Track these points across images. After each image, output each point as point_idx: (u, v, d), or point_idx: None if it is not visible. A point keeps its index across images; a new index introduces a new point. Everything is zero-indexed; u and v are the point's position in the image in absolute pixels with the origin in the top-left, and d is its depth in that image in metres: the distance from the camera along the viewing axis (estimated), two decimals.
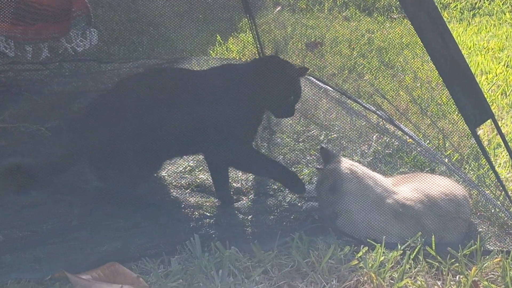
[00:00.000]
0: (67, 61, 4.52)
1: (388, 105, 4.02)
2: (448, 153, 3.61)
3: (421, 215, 2.94)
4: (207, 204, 3.21)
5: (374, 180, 3.07)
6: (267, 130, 3.97)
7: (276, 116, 3.43)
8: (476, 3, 7.14)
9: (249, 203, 3.25)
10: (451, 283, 2.69)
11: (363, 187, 3.03)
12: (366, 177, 3.07)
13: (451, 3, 7.10)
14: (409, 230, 2.91)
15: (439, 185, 3.05)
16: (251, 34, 4.85)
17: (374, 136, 3.82)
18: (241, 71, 3.32)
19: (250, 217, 3.12)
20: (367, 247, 2.84)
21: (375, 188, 3.03)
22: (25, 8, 2.86)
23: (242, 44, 5.21)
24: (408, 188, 3.03)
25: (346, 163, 3.11)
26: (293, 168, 3.55)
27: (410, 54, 3.78)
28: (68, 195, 3.14)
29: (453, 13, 6.96)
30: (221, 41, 5.29)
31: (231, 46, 5.24)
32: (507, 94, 4.73)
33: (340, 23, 5.73)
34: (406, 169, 3.48)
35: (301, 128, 3.99)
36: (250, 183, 3.42)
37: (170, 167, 3.51)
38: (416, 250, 2.82)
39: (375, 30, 5.30)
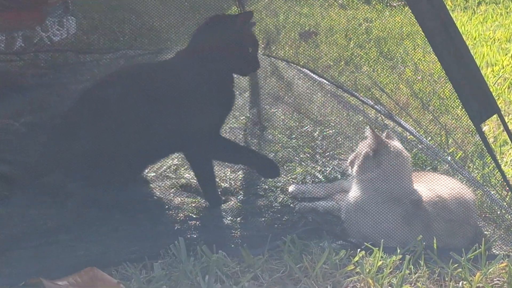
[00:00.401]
0: (43, 52, 4.51)
1: (387, 99, 4.03)
2: (451, 150, 3.61)
3: (431, 218, 2.95)
4: (193, 205, 3.21)
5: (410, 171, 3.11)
6: (257, 125, 3.98)
7: (243, 74, 3.46)
8: None
9: (238, 204, 3.26)
10: None
11: (400, 171, 3.05)
12: (408, 165, 3.10)
13: None
14: (416, 233, 2.91)
15: (450, 187, 3.06)
16: None
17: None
18: (191, 48, 3.33)
19: (239, 219, 3.13)
20: (364, 252, 2.84)
21: (408, 179, 3.06)
22: None
23: None
24: (422, 187, 3.03)
25: (398, 144, 3.15)
26: (285, 167, 3.55)
27: (410, 44, 3.79)
28: (43, 196, 3.12)
29: (457, 0, 6.98)
30: None
31: None
32: None
33: (336, 11, 5.72)
34: None
35: (294, 124, 4.00)
36: (239, 182, 3.42)
37: (153, 165, 3.50)
38: (417, 255, 2.83)
39: (373, 19, 5.30)
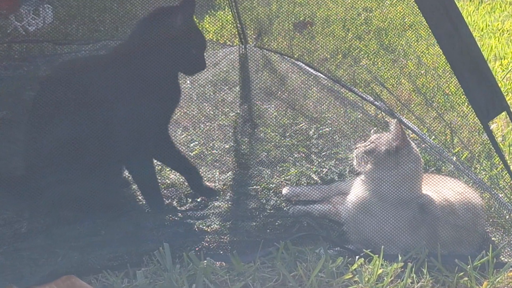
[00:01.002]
0: (17, 42, 4.51)
1: (388, 95, 4.04)
2: (456, 150, 3.63)
3: (437, 223, 2.96)
4: (179, 209, 3.22)
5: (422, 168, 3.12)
6: (248, 123, 3.99)
7: (188, 74, 3.47)
8: None
9: (228, 206, 3.26)
10: None
11: (414, 170, 3.06)
12: (420, 163, 3.10)
13: None
14: (421, 240, 2.92)
15: (456, 190, 3.07)
16: (230, 12, 4.86)
17: (372, 131, 3.84)
18: (128, 43, 3.32)
19: (228, 223, 3.13)
20: (363, 259, 2.85)
21: (419, 180, 3.07)
22: None
23: (220, 24, 5.22)
24: (429, 191, 3.04)
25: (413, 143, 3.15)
26: (278, 167, 3.56)
27: (413, 36, 3.80)
28: (18, 198, 3.13)
29: None
30: (195, 19, 5.29)
31: (207, 25, 5.24)
32: None
33: (332, 0, 5.75)
34: None
35: (288, 121, 4.01)
36: (230, 183, 3.43)
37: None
38: (420, 262, 2.84)
39: (373, 8, 5.32)
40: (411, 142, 3.09)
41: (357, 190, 3.09)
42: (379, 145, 3.08)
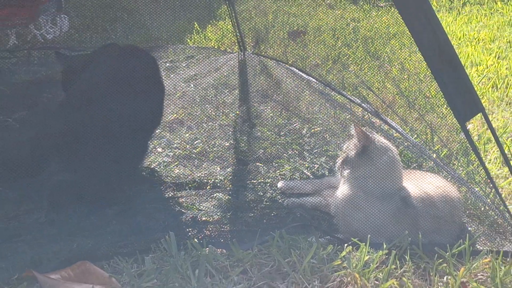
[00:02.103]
0: (36, 49, 4.50)
1: (374, 97, 4.04)
2: (436, 148, 3.62)
3: (418, 214, 2.96)
4: (183, 200, 3.21)
5: (401, 168, 3.11)
6: (247, 123, 3.98)
7: None
8: None
9: (228, 199, 3.26)
10: (439, 284, 2.71)
11: (390, 166, 3.06)
12: (397, 162, 3.10)
13: None
14: (403, 229, 2.92)
15: (436, 184, 3.07)
16: (230, 22, 4.86)
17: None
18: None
19: (228, 214, 3.12)
20: (351, 247, 2.85)
21: (400, 176, 3.07)
22: None
23: (221, 33, 5.22)
24: (410, 185, 3.04)
25: (385, 140, 3.16)
26: (274, 163, 3.56)
27: (397, 44, 3.80)
28: (36, 190, 3.12)
29: (442, 1, 6.99)
30: (198, 29, 5.29)
31: (210, 34, 5.24)
32: (498, 87, 4.76)
33: (324, 11, 5.73)
34: None
35: (283, 121, 4.00)
36: (229, 177, 3.43)
37: (143, 161, 3.51)
38: (403, 250, 2.84)
39: (360, 19, 5.31)
40: (376, 137, 3.09)
41: (343, 186, 3.10)
42: (349, 151, 3.10)
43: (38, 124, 3.29)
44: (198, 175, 3.42)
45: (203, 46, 5.08)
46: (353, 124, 3.16)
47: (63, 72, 3.25)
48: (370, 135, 3.06)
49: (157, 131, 3.80)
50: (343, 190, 3.09)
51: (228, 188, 3.34)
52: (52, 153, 3.24)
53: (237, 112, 4.11)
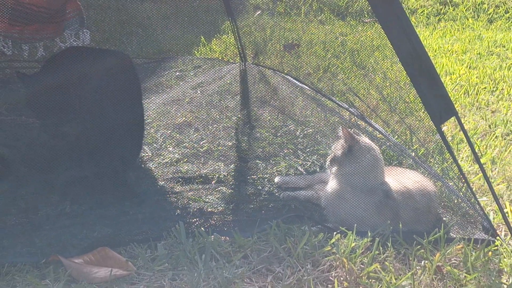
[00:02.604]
0: None
1: (360, 102, 4.03)
2: (415, 147, 3.62)
3: (399, 206, 2.96)
4: (191, 193, 3.21)
5: (383, 165, 3.11)
6: (247, 125, 3.98)
7: None
8: (441, 9, 7.17)
9: (230, 192, 3.25)
10: (417, 267, 2.71)
11: (373, 163, 3.06)
12: (380, 159, 3.10)
13: (418, 8, 7.12)
14: (384, 220, 2.92)
15: (414, 179, 3.07)
16: (232, 36, 4.85)
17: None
18: None
19: (231, 205, 3.12)
20: (339, 234, 2.85)
21: (382, 172, 3.07)
22: (22, 10, 2.84)
23: (225, 45, 5.21)
24: (391, 180, 3.04)
25: (368, 140, 3.15)
26: (271, 161, 3.55)
27: (380, 55, 3.79)
28: (61, 184, 3.12)
29: (420, 18, 6.99)
30: (205, 42, 5.28)
31: (214, 47, 5.23)
32: (469, 93, 4.76)
33: (316, 26, 5.74)
34: None
35: (279, 124, 4.00)
36: (232, 173, 3.42)
37: (156, 158, 3.51)
38: (385, 238, 2.84)
39: (348, 33, 5.31)
40: (360, 138, 3.09)
41: (332, 181, 3.10)
42: (336, 151, 3.10)
43: (63, 126, 3.28)
44: (204, 171, 3.42)
45: (209, 57, 5.08)
46: (340, 126, 3.16)
47: (26, 92, 3.19)
48: (356, 136, 3.06)
49: (167, 132, 3.80)
50: (332, 185, 3.09)
51: (230, 183, 3.34)
52: (74, 153, 3.24)
53: (239, 116, 4.10)
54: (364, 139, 3.12)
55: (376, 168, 3.05)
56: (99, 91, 3.11)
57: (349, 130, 3.07)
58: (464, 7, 7.21)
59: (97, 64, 3.12)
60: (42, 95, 3.07)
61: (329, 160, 3.15)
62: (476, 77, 5.10)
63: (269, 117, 4.06)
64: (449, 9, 7.20)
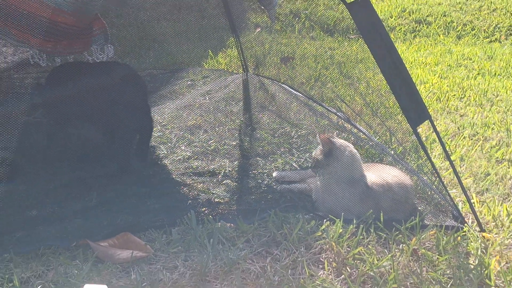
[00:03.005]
0: None
1: (346, 107, 4.03)
2: (394, 146, 3.62)
3: (380, 197, 2.96)
4: (201, 186, 3.21)
5: (360, 161, 3.11)
6: (249, 127, 3.98)
7: None
8: (416, 27, 7.16)
9: (235, 185, 3.25)
10: (396, 250, 2.71)
11: (351, 160, 3.06)
12: (356, 156, 3.10)
13: (396, 26, 7.11)
14: (367, 209, 2.92)
15: (393, 174, 3.07)
16: (236, 50, 4.85)
17: (335, 133, 3.82)
18: None
19: (235, 196, 3.12)
20: (328, 221, 2.86)
21: (360, 167, 3.06)
22: (55, 28, 2.85)
23: (229, 58, 5.21)
24: (372, 175, 3.05)
25: (342, 141, 3.15)
26: (270, 158, 3.56)
27: (363, 67, 3.79)
28: (89, 179, 3.13)
29: (398, 34, 6.98)
30: (212, 55, 5.28)
31: (220, 59, 5.23)
32: (441, 100, 4.76)
33: (308, 41, 5.74)
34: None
35: (276, 126, 3.99)
36: (236, 169, 3.43)
37: (170, 156, 3.51)
38: (368, 224, 2.84)
39: (335, 48, 5.31)
40: (336, 140, 3.10)
41: (319, 179, 3.10)
42: (318, 156, 3.11)
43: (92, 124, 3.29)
44: (212, 166, 3.42)
45: (216, 68, 5.07)
46: (318, 134, 3.17)
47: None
48: (332, 139, 3.07)
49: (180, 133, 3.80)
50: (319, 182, 3.09)
51: (235, 177, 3.34)
52: (98, 151, 3.25)
53: (242, 119, 4.10)
54: (339, 141, 3.12)
55: (354, 162, 3.05)
56: (108, 99, 3.11)
57: (325, 135, 3.08)
58: (436, 25, 7.20)
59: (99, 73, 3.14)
60: (56, 103, 3.07)
61: (312, 165, 3.17)
62: (447, 85, 5.10)
63: (267, 120, 4.06)
64: (423, 27, 7.19)
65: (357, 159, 3.07)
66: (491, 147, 3.85)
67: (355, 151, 3.11)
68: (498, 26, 7.30)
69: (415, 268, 2.62)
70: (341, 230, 2.78)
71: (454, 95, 4.88)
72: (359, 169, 3.05)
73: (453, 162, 3.31)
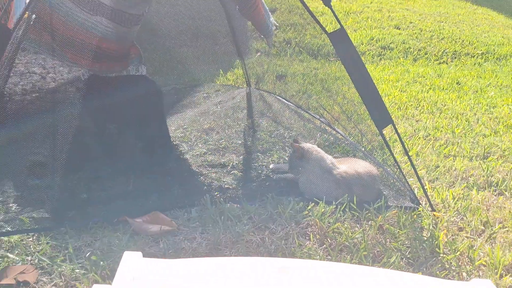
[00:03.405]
0: None
1: (327, 114, 4.04)
2: (364, 144, 3.63)
3: (352, 184, 2.96)
4: (214, 175, 3.21)
5: (326, 155, 3.10)
6: (252, 129, 3.98)
7: None
8: (382, 52, 7.16)
9: (240, 174, 3.26)
10: (366, 225, 2.72)
11: (319, 157, 3.05)
12: (321, 153, 3.09)
13: (366, 51, 7.11)
14: (343, 193, 2.93)
15: (363, 166, 3.08)
16: (241, 70, 4.86)
17: (318, 134, 3.84)
18: None
19: (241, 184, 3.13)
20: (313, 203, 2.86)
21: (327, 160, 3.05)
22: (101, 52, 2.87)
23: (236, 76, 5.22)
24: (345, 166, 3.05)
25: (309, 144, 3.15)
26: (267, 154, 3.56)
27: (341, 83, 3.79)
28: (127, 170, 3.12)
29: (367, 57, 6.98)
30: (223, 74, 5.29)
31: (229, 77, 5.24)
32: (401, 108, 4.76)
33: (297, 63, 5.74)
34: (338, 155, 3.50)
35: (273, 129, 4.00)
36: (241, 162, 3.43)
37: (190, 152, 3.51)
38: (344, 205, 2.84)
39: (319, 68, 5.31)
40: (304, 145, 3.11)
41: (302, 172, 3.08)
42: (293, 160, 3.12)
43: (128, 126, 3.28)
44: (223, 160, 3.42)
45: (225, 84, 5.07)
46: (291, 143, 3.18)
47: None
48: (301, 145, 3.08)
49: (198, 134, 3.80)
50: (301, 176, 3.08)
51: (240, 168, 3.34)
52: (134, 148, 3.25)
53: (246, 123, 4.10)
54: (307, 145, 3.13)
55: (323, 158, 3.05)
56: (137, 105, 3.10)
57: (296, 144, 3.09)
58: (397, 50, 7.21)
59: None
60: (99, 108, 3.06)
61: (289, 167, 3.16)
62: (406, 97, 5.11)
63: (266, 124, 4.07)
64: (387, 52, 7.19)
65: (322, 154, 3.08)
66: (440, 145, 3.86)
67: (319, 149, 3.12)
68: (446, 51, 7.31)
69: (381, 239, 2.62)
70: (323, 210, 2.78)
71: (411, 105, 4.89)
72: (327, 161, 3.05)
73: (411, 157, 3.32)
